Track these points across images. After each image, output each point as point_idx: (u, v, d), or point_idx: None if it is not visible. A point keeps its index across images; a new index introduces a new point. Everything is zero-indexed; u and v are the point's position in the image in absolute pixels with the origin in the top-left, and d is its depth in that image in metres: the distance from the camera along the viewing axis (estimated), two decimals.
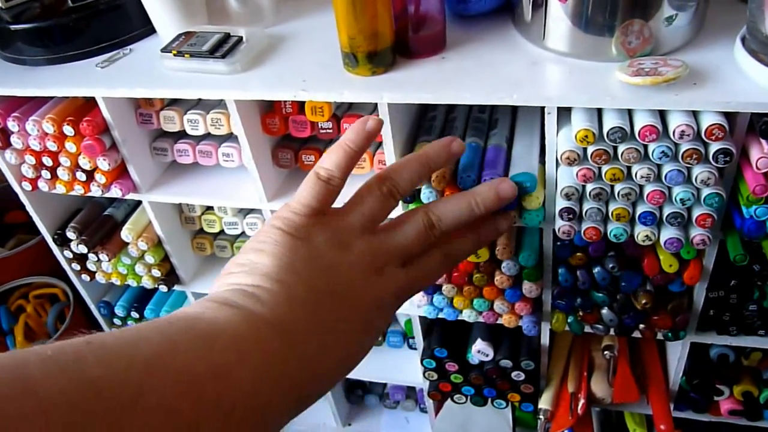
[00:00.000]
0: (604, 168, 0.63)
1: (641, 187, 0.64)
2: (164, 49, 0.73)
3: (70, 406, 0.26)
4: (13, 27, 0.79)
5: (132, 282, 0.98)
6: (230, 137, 0.82)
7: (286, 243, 0.44)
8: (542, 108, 0.64)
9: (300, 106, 0.73)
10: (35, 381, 0.26)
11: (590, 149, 0.62)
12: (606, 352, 0.91)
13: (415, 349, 1.01)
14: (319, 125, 0.74)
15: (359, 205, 0.49)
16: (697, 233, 0.66)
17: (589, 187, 0.65)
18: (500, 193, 0.55)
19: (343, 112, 0.75)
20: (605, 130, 0.60)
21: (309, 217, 0.46)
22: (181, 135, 0.84)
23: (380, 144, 0.78)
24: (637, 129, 0.60)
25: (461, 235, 0.54)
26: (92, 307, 1.09)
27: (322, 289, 0.43)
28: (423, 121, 0.78)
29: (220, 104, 0.79)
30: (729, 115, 0.58)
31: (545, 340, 0.88)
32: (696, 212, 0.64)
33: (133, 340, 0.31)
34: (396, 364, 1.07)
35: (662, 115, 0.61)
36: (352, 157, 0.50)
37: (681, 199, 0.62)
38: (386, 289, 0.46)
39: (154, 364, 0.31)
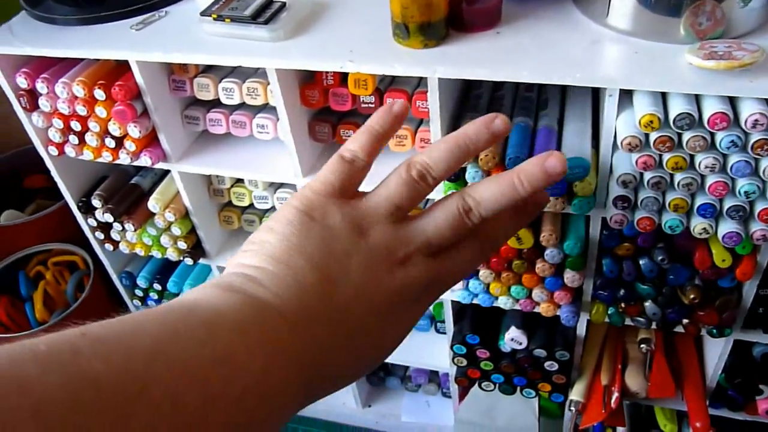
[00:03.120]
0: (666, 156, 0.60)
1: (703, 177, 0.61)
2: (204, 13, 0.69)
3: (70, 404, 0.25)
4: None
5: (156, 253, 0.96)
6: (265, 108, 0.79)
7: (298, 222, 0.40)
8: (597, 90, 0.61)
9: (342, 78, 0.70)
10: (31, 379, 0.25)
11: (653, 136, 0.58)
12: (642, 346, 0.89)
13: (443, 333, 0.98)
14: (361, 99, 0.71)
15: (384, 188, 0.44)
16: (758, 228, 0.63)
17: (648, 175, 0.62)
18: (548, 168, 0.45)
19: (386, 86, 0.72)
20: (671, 116, 0.57)
21: (328, 196, 0.42)
22: (214, 104, 0.81)
23: (422, 121, 0.75)
24: (706, 116, 0.56)
25: (498, 217, 0.46)
26: (114, 277, 1.07)
27: (335, 275, 0.39)
28: (467, 99, 0.74)
29: (256, 73, 0.76)
30: None
31: (581, 330, 0.85)
32: (759, 206, 0.61)
33: (131, 330, 0.30)
34: (421, 348, 1.05)
35: (732, 102, 0.58)
36: (378, 139, 0.46)
37: (745, 192, 0.59)
38: (411, 280, 0.42)
39: (155, 355, 0.29)
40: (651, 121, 0.57)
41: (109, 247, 0.98)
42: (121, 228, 0.93)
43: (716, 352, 0.85)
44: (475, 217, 0.44)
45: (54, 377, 0.25)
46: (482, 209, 0.44)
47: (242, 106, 0.79)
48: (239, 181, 0.90)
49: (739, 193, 0.60)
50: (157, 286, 1.05)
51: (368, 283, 0.40)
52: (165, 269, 1.06)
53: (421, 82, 0.72)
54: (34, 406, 0.24)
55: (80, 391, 0.25)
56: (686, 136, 0.58)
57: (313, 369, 0.36)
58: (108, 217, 0.90)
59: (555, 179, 0.46)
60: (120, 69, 0.77)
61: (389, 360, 1.10)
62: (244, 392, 0.31)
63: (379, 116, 0.47)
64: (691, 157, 0.60)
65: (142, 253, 0.97)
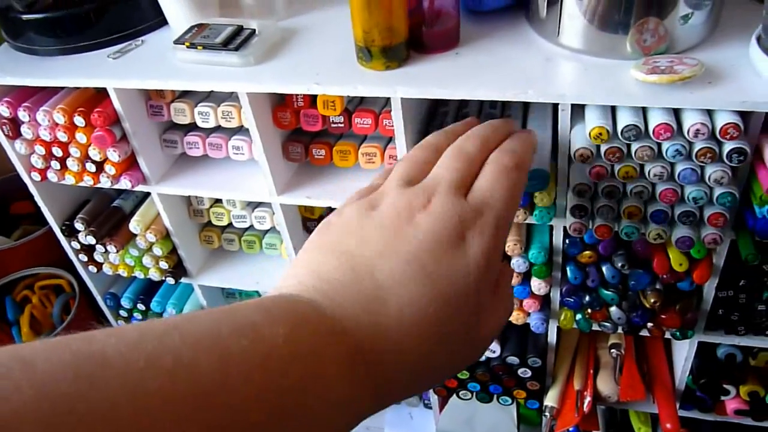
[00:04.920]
0: (617, 166, 0.63)
1: (654, 185, 0.64)
2: (177, 41, 0.72)
3: (73, 376, 0.24)
4: (25, 17, 0.79)
5: (139, 274, 0.98)
6: (240, 130, 0.82)
7: (317, 230, 0.42)
8: (555, 105, 0.64)
9: (312, 99, 0.73)
10: (36, 358, 0.24)
11: (604, 147, 0.62)
12: (613, 350, 0.91)
13: None
14: (331, 119, 0.74)
15: (391, 172, 0.45)
16: (708, 232, 0.66)
17: (602, 184, 0.65)
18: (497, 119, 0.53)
19: (354, 106, 0.75)
20: (619, 128, 0.60)
21: (349, 202, 0.43)
22: (191, 127, 0.83)
23: (390, 139, 0.78)
24: (651, 127, 0.60)
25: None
26: (98, 298, 1.09)
27: (350, 249, 0.38)
28: (434, 117, 0.78)
29: (230, 97, 0.79)
30: (744, 114, 0.58)
31: (552, 337, 0.88)
32: (708, 211, 0.64)
33: (151, 321, 0.29)
34: None
35: (676, 113, 0.61)
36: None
37: (693, 198, 0.62)
38: (438, 216, 0.39)
39: (170, 332, 0.28)
40: (600, 134, 0.61)
41: (92, 269, 1.01)
42: (103, 250, 0.95)
43: (683, 354, 0.88)
44: (472, 143, 0.46)
45: (60, 355, 0.25)
46: (473, 134, 0.48)
47: (218, 129, 0.82)
48: (218, 201, 0.93)
49: (688, 199, 0.63)
50: (141, 306, 1.07)
51: (390, 240, 0.39)
52: (148, 289, 1.08)
53: (388, 102, 0.75)
54: (34, 379, 0.23)
55: (84, 364, 0.25)
56: (634, 146, 0.61)
57: (351, 336, 0.34)
58: (90, 240, 0.93)
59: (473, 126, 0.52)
60: (99, 96, 0.80)
61: None
62: (267, 358, 0.29)
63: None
64: (641, 166, 0.63)
65: (125, 274, 0.99)
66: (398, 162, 0.46)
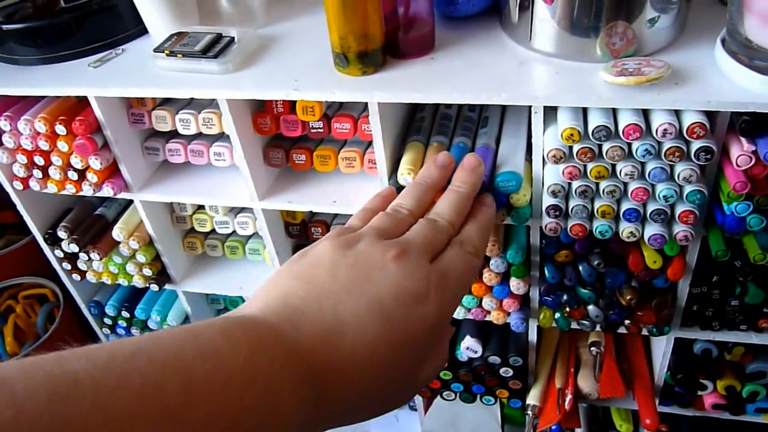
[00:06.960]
0: (590, 166, 0.64)
1: (625, 184, 0.66)
2: (157, 49, 0.73)
3: (48, 396, 0.26)
4: (5, 27, 0.79)
5: (123, 281, 0.99)
6: (221, 137, 0.82)
7: (293, 257, 0.45)
8: (529, 107, 0.65)
9: (291, 105, 0.74)
10: (11, 378, 0.26)
11: (576, 147, 0.63)
12: (592, 348, 0.93)
13: None
14: (310, 125, 0.75)
15: (370, 222, 0.51)
16: (680, 229, 0.67)
17: (575, 184, 0.66)
18: (466, 166, 0.61)
19: (333, 111, 0.76)
20: (590, 128, 0.62)
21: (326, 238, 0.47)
22: (173, 134, 0.84)
23: (370, 143, 0.80)
24: (621, 128, 0.61)
25: (464, 223, 0.56)
26: (82, 306, 1.09)
27: (321, 280, 0.41)
28: (413, 121, 0.79)
29: (211, 104, 0.80)
30: (710, 114, 0.60)
31: (533, 336, 0.89)
32: (679, 209, 0.66)
33: (117, 341, 0.32)
34: None
35: (645, 114, 0.63)
36: (371, 212, 0.55)
37: (664, 196, 0.64)
38: (406, 269, 0.43)
39: (137, 353, 0.30)
40: (572, 134, 0.62)
41: (76, 277, 1.01)
42: (87, 258, 0.96)
43: (661, 351, 0.89)
44: (443, 222, 0.52)
45: (35, 377, 0.26)
46: (444, 216, 0.53)
47: (199, 135, 0.83)
48: (200, 207, 0.94)
49: (659, 197, 0.65)
50: (125, 314, 1.07)
51: (358, 279, 0.42)
52: (132, 297, 1.08)
53: (366, 107, 0.76)
54: (13, 400, 0.25)
55: (58, 385, 0.26)
56: (605, 146, 0.63)
57: (306, 363, 0.37)
58: (73, 248, 0.93)
59: (477, 171, 0.62)
60: (80, 105, 0.80)
61: None
62: (229, 379, 0.32)
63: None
64: (612, 166, 0.65)
65: (109, 282, 0.99)
66: (378, 215, 0.52)
